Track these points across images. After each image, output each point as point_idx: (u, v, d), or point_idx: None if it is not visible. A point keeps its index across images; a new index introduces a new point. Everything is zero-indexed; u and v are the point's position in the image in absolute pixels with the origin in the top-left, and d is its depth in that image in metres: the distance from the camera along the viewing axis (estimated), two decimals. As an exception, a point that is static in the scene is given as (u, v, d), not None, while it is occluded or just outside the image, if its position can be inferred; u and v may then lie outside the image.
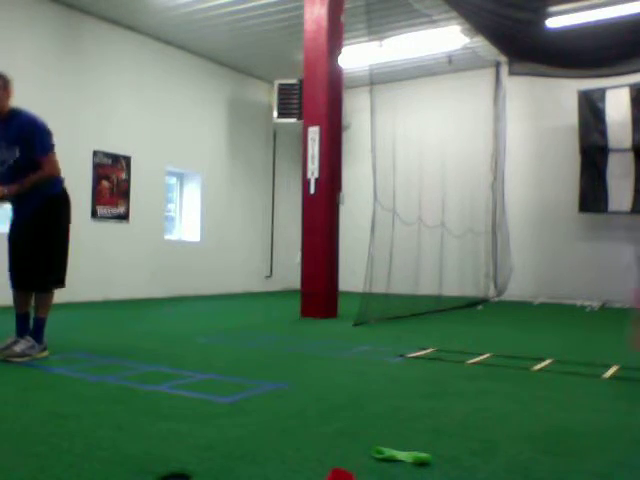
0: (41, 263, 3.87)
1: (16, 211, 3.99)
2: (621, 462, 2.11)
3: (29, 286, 3.95)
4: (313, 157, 6.99)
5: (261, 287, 11.26)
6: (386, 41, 8.84)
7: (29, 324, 4.01)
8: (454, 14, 8.01)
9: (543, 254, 10.12)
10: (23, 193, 3.85)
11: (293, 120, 10.42)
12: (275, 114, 10.54)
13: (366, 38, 8.33)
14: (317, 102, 7.00)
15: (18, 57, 7.76)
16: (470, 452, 2.17)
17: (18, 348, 3.83)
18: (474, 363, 4.07)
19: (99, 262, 8.62)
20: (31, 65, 7.90)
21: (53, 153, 4.05)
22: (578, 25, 7.61)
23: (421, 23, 8.61)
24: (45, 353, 4.00)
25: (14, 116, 3.98)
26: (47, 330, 5.57)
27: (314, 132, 6.99)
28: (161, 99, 9.61)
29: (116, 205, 8.94)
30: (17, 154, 3.85)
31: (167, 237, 10.01)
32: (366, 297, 6.33)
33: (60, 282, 4.03)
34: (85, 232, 8.46)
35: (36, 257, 3.86)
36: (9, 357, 3.77)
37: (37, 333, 3.98)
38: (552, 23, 7.69)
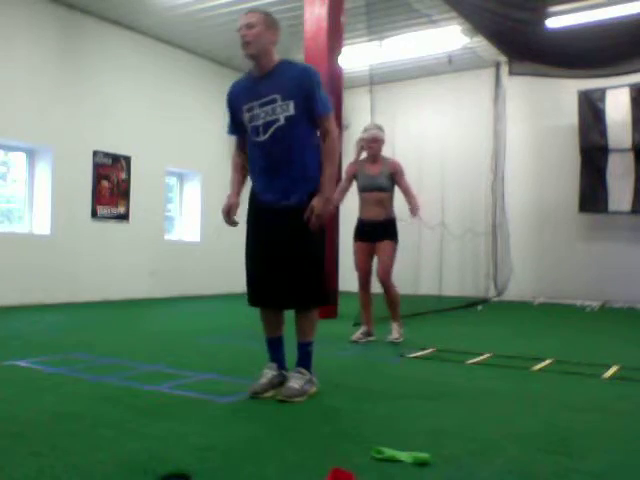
0: (315, 272, 3.04)
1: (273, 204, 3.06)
2: (621, 462, 2.12)
3: (300, 303, 3.08)
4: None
5: (261, 287, 11.21)
6: (386, 41, 8.83)
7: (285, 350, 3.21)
8: (454, 14, 8.01)
9: (543, 254, 10.12)
10: (293, 180, 3.00)
11: (293, 120, 10.41)
12: (275, 114, 10.53)
13: (366, 38, 8.34)
14: (317, 102, 6.99)
15: (18, 57, 7.76)
16: (470, 452, 2.17)
17: (296, 384, 2.97)
18: (474, 363, 4.07)
19: (99, 262, 8.62)
20: (31, 65, 7.90)
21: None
22: (578, 25, 7.62)
23: (421, 23, 8.61)
24: (315, 388, 3.09)
25: (283, 66, 3.05)
26: (47, 330, 5.59)
27: (314, 132, 6.98)
28: (161, 99, 9.61)
29: (116, 205, 8.93)
30: (292, 110, 2.95)
31: (167, 237, 10.01)
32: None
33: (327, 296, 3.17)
34: (85, 232, 8.47)
35: (312, 265, 3.04)
36: (290, 398, 2.90)
37: (308, 361, 3.11)
38: (552, 23, 7.70)
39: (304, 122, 2.99)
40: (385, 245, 4.88)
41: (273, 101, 2.97)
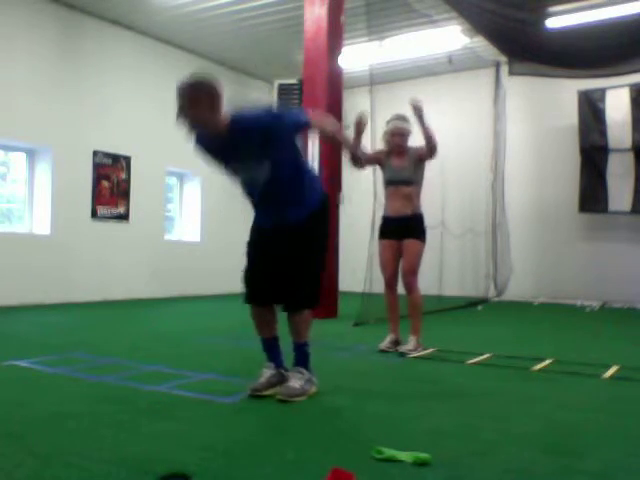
0: (313, 281, 3.08)
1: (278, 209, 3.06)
2: (621, 462, 2.12)
3: (296, 304, 3.08)
4: (313, 157, 6.98)
5: (261, 287, 11.21)
6: (386, 41, 8.83)
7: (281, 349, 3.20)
8: (454, 14, 8.01)
9: (543, 254, 10.12)
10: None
11: (293, 120, 10.41)
12: (275, 114, 10.53)
13: (366, 38, 8.33)
14: (317, 102, 6.99)
15: (18, 57, 7.75)
16: (470, 452, 2.17)
17: (297, 384, 2.97)
18: (474, 363, 4.07)
19: (99, 262, 8.62)
20: (31, 65, 7.90)
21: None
22: (578, 25, 7.61)
23: (421, 23, 8.60)
24: (315, 388, 3.08)
25: (234, 122, 2.85)
26: (47, 330, 5.59)
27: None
28: (161, 99, 9.59)
29: (116, 205, 8.93)
30: (268, 167, 2.90)
31: (167, 237, 10.01)
32: (366, 297, 6.33)
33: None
34: (85, 232, 8.47)
35: (311, 268, 3.07)
36: (290, 397, 2.90)
37: (306, 361, 3.10)
38: (552, 23, 7.69)
39: (286, 161, 2.94)
40: (411, 244, 4.52)
41: (250, 167, 2.95)
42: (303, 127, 2.98)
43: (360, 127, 3.79)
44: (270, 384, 3.04)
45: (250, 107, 3.00)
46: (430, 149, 4.59)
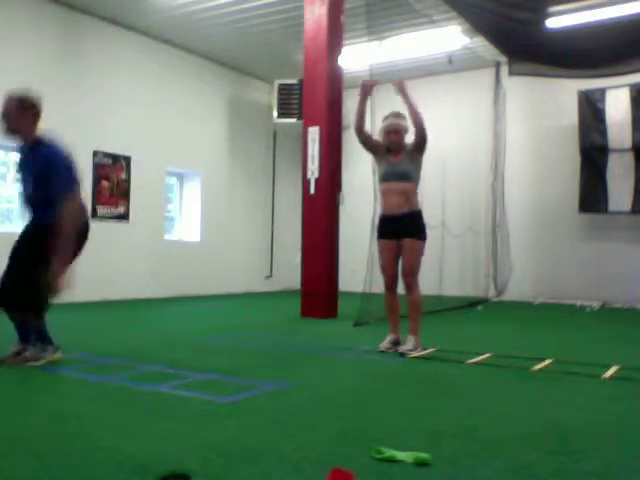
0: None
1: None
2: (621, 462, 2.11)
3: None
4: (313, 157, 6.99)
5: (261, 287, 11.25)
6: (386, 41, 8.83)
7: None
8: (454, 14, 8.01)
9: (543, 254, 10.12)
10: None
11: (293, 120, 10.42)
12: (275, 114, 10.54)
13: (366, 38, 8.33)
14: (317, 102, 7.00)
15: (18, 57, 7.75)
16: (470, 452, 2.17)
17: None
18: (474, 363, 4.07)
19: (99, 262, 8.61)
20: (31, 65, 7.90)
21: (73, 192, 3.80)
22: (578, 25, 7.61)
23: (421, 23, 8.61)
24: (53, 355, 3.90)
25: (37, 146, 3.84)
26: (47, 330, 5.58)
27: (314, 132, 6.99)
28: (161, 99, 9.61)
29: (116, 205, 8.93)
30: (30, 189, 3.73)
31: (167, 237, 10.01)
32: (366, 297, 6.33)
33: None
34: (85, 232, 8.47)
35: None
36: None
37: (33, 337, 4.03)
38: (552, 23, 7.69)
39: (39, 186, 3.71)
40: (410, 243, 4.46)
41: (24, 179, 3.82)
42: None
43: (365, 89, 3.93)
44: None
45: (55, 144, 3.91)
46: (417, 128, 4.56)
